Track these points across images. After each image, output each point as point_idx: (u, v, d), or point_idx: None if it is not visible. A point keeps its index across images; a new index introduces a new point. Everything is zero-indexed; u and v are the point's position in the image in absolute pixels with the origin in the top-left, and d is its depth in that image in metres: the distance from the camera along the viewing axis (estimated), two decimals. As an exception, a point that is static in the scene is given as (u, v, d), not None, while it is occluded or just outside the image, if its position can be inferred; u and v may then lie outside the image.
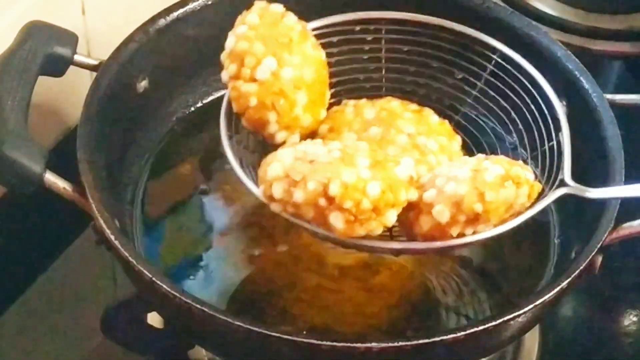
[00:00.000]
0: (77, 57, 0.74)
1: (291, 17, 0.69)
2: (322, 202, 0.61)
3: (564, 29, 0.95)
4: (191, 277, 0.74)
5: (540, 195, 0.66)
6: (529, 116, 0.72)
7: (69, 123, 0.86)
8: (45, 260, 0.82)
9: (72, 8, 0.83)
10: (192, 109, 0.82)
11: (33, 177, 0.67)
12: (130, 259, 0.64)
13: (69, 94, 0.81)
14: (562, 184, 0.67)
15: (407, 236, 0.65)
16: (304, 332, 0.69)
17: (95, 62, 0.74)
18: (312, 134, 0.71)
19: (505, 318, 0.63)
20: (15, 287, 0.80)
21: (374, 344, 0.61)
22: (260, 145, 0.70)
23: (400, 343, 0.61)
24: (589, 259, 0.66)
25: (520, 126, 0.73)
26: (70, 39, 0.74)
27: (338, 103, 0.74)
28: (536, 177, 0.67)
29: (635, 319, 0.82)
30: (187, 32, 0.78)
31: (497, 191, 0.62)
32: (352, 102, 0.73)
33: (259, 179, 0.64)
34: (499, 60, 0.74)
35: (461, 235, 0.63)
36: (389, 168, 0.63)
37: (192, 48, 0.79)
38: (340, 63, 0.75)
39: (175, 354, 0.76)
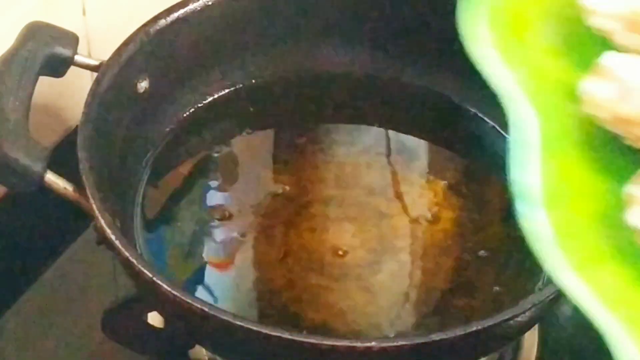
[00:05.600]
0: (77, 58, 0.74)
1: None
2: None
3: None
4: (191, 276, 0.74)
5: None
6: None
7: (70, 123, 0.86)
8: (45, 260, 0.82)
9: (73, 8, 0.83)
10: (193, 109, 0.82)
11: (33, 177, 0.67)
12: (131, 258, 0.64)
13: (70, 94, 0.81)
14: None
15: None
16: (304, 332, 0.69)
17: (96, 63, 0.74)
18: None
19: (505, 318, 0.63)
20: (16, 287, 0.80)
21: (374, 344, 0.61)
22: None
23: (400, 343, 0.61)
24: (588, 259, 0.66)
25: None
26: (71, 39, 0.74)
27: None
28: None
29: (634, 319, 0.82)
30: (188, 32, 0.78)
31: None
32: None
33: None
34: None
35: None
36: None
37: (192, 48, 0.79)
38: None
39: (175, 354, 0.76)
